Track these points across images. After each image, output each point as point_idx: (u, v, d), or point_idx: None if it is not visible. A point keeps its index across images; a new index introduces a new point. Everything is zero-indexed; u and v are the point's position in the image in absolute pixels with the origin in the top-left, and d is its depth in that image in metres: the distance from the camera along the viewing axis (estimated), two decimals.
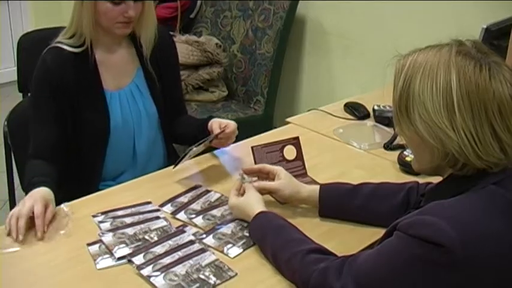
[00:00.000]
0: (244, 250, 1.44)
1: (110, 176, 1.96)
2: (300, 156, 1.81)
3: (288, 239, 1.35)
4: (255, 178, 1.63)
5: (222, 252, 1.43)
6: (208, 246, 1.45)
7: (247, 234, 1.48)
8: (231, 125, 1.82)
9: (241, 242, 1.46)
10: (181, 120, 2.05)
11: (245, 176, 1.60)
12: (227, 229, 1.51)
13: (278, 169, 1.61)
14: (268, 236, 1.39)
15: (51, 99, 1.81)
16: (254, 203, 1.49)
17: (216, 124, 1.83)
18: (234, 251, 1.44)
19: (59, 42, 1.84)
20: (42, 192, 1.57)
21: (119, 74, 1.92)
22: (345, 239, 1.49)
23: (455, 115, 1.10)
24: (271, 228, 1.40)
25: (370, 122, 2.23)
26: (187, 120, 2.06)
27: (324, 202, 1.56)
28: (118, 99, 1.91)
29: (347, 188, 1.57)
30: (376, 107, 2.24)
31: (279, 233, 1.38)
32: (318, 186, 1.58)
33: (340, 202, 1.55)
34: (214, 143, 1.83)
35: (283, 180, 1.58)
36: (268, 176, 1.63)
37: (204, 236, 1.49)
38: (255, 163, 1.74)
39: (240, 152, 1.96)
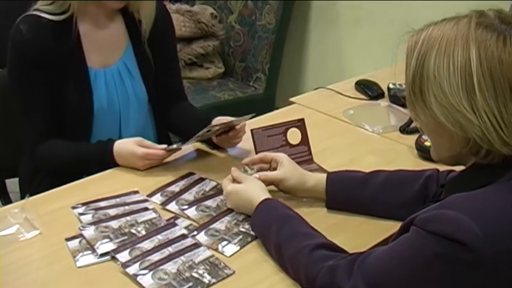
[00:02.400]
0: (241, 248, 1.44)
1: None
2: (305, 140, 1.80)
3: (294, 232, 1.35)
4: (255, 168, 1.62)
5: (216, 250, 1.43)
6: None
7: (243, 229, 1.48)
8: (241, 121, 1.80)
9: (238, 239, 1.46)
10: (180, 110, 2.02)
11: (247, 168, 1.60)
12: (221, 224, 1.51)
13: (281, 156, 1.61)
14: (272, 226, 1.39)
15: (35, 72, 1.80)
16: (258, 190, 1.49)
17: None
18: (230, 248, 1.43)
19: (36, 9, 1.82)
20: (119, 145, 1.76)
21: (106, 51, 1.91)
22: (355, 234, 1.49)
23: (476, 96, 1.09)
24: (277, 218, 1.40)
25: (384, 103, 2.23)
26: (187, 112, 2.03)
27: (332, 193, 1.56)
28: (104, 79, 1.90)
29: (358, 177, 1.56)
30: (391, 86, 2.24)
31: (284, 224, 1.38)
32: (324, 175, 1.58)
33: (349, 193, 1.55)
34: (218, 140, 1.81)
35: (287, 168, 1.58)
36: (271, 165, 1.63)
37: (196, 232, 1.48)
38: (255, 148, 1.74)
39: None
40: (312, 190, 1.58)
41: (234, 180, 1.55)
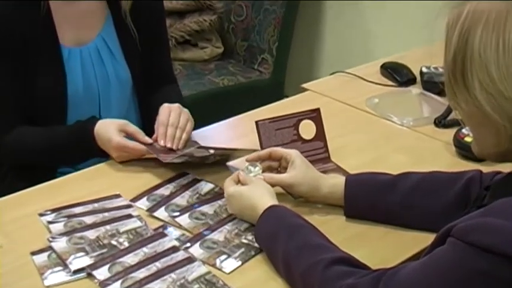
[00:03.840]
0: (243, 263, 1.44)
1: None
2: (320, 134, 1.80)
3: (306, 244, 1.36)
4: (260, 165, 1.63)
5: (213, 266, 1.43)
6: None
7: (245, 241, 1.49)
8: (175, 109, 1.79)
9: (239, 252, 1.46)
10: (163, 96, 2.00)
11: (251, 167, 1.60)
12: (219, 235, 1.51)
13: (292, 155, 1.60)
14: (279, 237, 1.39)
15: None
16: (264, 194, 1.50)
17: (164, 111, 1.80)
18: (230, 264, 1.43)
19: None
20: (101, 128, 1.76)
21: (81, 26, 1.92)
22: (379, 247, 1.50)
23: None
24: (285, 228, 1.40)
25: (415, 90, 2.24)
26: (164, 95, 2.02)
27: (351, 199, 1.56)
28: (79, 58, 1.91)
29: (383, 180, 1.56)
30: (424, 69, 2.24)
31: (294, 234, 1.38)
32: (343, 178, 1.58)
33: (373, 198, 1.55)
34: None
35: (298, 171, 1.57)
36: (280, 163, 1.63)
37: (189, 244, 1.48)
38: (260, 143, 1.74)
39: (241, 128, 1.96)
40: (327, 197, 1.58)
41: (239, 182, 1.55)
